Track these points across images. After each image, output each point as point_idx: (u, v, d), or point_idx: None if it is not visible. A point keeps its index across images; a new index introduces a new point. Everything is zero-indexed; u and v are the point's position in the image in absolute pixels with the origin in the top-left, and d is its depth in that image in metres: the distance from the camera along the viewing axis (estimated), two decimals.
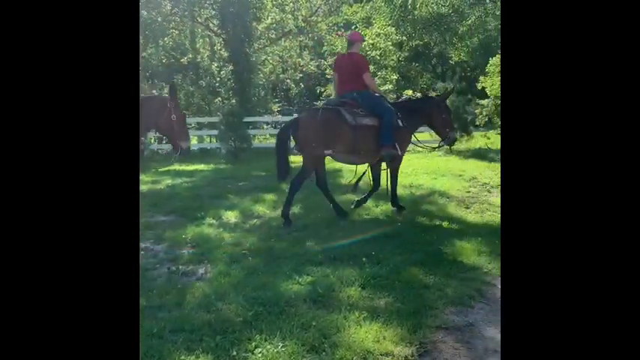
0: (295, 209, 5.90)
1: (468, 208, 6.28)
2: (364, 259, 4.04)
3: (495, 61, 18.88)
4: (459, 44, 17.07)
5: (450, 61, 19.05)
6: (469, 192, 7.25)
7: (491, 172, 8.94)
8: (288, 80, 18.62)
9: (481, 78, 19.32)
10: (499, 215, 5.94)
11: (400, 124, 5.46)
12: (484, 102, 16.68)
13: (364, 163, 5.74)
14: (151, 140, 12.90)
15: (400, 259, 4.07)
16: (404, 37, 17.07)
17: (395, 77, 20.55)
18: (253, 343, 2.70)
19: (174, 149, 4.80)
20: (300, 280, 3.63)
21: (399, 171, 5.96)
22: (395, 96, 22.09)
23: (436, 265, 3.95)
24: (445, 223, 5.34)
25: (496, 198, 6.96)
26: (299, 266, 3.93)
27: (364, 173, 5.92)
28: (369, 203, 6.10)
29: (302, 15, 17.75)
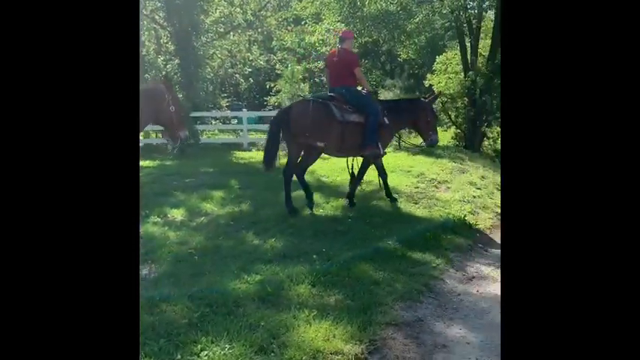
0: (244, 206, 5.78)
1: (416, 203, 6.36)
2: (314, 256, 4.00)
3: (442, 59, 19.37)
4: (407, 42, 17.33)
5: (399, 59, 19.34)
6: (417, 188, 7.36)
7: (438, 168, 9.13)
8: (237, 75, 18.33)
9: (428, 75, 19.76)
10: (446, 210, 6.06)
11: (386, 121, 5.59)
12: None
13: (348, 156, 5.88)
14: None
15: (350, 256, 4.06)
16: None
17: None
18: (199, 346, 2.60)
19: (172, 140, 4.78)
20: (248, 279, 3.54)
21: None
22: None
23: (386, 261, 3.96)
24: (394, 219, 5.38)
25: (443, 193, 7.11)
26: (247, 265, 3.84)
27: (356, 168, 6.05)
28: (320, 199, 6.07)
29: (251, 9, 17.49)
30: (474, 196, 7.43)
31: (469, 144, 16.25)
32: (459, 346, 2.72)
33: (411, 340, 2.75)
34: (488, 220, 6.46)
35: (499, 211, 7.21)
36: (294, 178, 5.47)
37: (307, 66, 19.01)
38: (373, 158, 5.77)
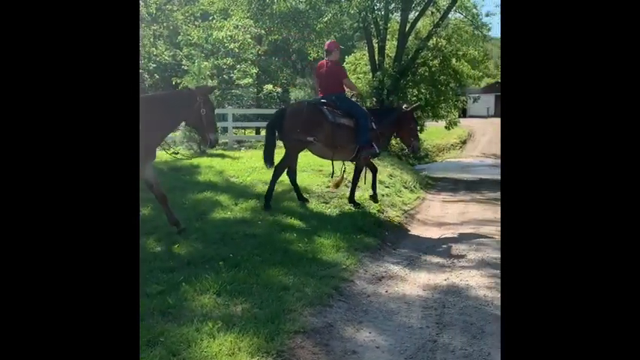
0: (145, 210, 5.42)
1: (327, 203, 6.34)
2: (221, 262, 3.80)
3: (351, 59, 19.68)
4: (317, 41, 17.39)
5: (309, 58, 19.40)
6: (328, 187, 7.36)
7: (348, 168, 9.21)
8: (142, 71, 17.44)
9: None
10: (357, 210, 6.09)
11: (374, 126, 6.06)
12: None
13: (338, 159, 6.36)
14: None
15: (259, 261, 3.91)
16: (262, 31, 16.96)
17: (255, 71, 20.37)
18: None
19: (203, 142, 5.12)
20: (147, 290, 3.27)
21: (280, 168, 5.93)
22: (255, 90, 21.98)
23: (295, 265, 3.87)
24: (305, 220, 5.31)
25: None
26: (147, 274, 3.55)
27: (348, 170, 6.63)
28: (229, 201, 5.85)
29: (155, 3, 16.73)
30: (383, 195, 7.58)
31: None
32: (369, 350, 2.68)
33: (320, 348, 2.67)
34: (396, 218, 6.61)
35: (406, 208, 7.41)
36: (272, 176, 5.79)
37: (215, 62, 18.49)
38: (371, 157, 6.33)
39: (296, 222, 5.22)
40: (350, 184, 6.68)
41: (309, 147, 5.90)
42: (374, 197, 6.56)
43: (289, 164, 5.92)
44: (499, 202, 8.80)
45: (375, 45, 16.70)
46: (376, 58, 16.45)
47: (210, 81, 12.53)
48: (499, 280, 3.89)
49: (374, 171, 6.65)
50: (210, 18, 16.55)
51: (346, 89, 6.11)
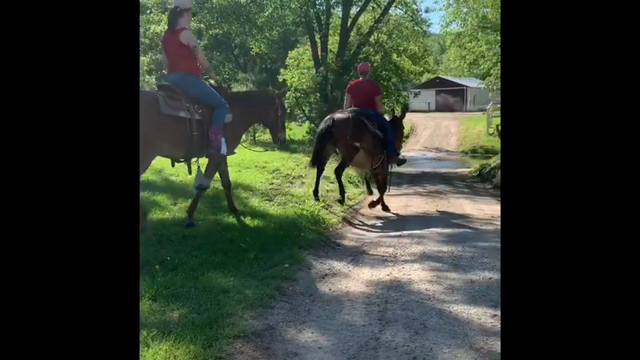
0: None
1: (270, 200, 6.25)
2: (157, 266, 3.62)
3: (294, 54, 19.58)
4: (259, 36, 17.19)
5: (252, 52, 19.12)
6: (272, 184, 7.26)
7: (292, 163, 9.15)
8: None
9: (282, 70, 19.87)
10: (300, 207, 6.03)
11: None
12: (287, 94, 17.20)
13: (365, 167, 7.26)
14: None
15: (198, 263, 3.77)
16: (202, 25, 16.55)
17: None
18: None
19: (274, 140, 5.79)
20: None
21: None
22: None
23: (236, 266, 3.75)
24: (248, 219, 5.19)
25: (298, 189, 7.10)
26: None
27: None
28: (167, 201, 5.64)
29: None
30: (328, 191, 7.56)
31: None
32: (311, 352, 2.61)
33: (261, 352, 2.58)
34: (340, 213, 6.59)
35: (351, 204, 7.42)
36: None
37: (154, 57, 17.84)
38: (396, 165, 7.44)
39: (238, 221, 5.10)
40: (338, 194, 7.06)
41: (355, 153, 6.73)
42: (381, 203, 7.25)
43: (346, 166, 7.08)
44: (441, 195, 9.05)
45: (318, 40, 16.69)
46: (319, 53, 16.44)
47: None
48: (440, 274, 3.94)
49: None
50: (148, 12, 15.93)
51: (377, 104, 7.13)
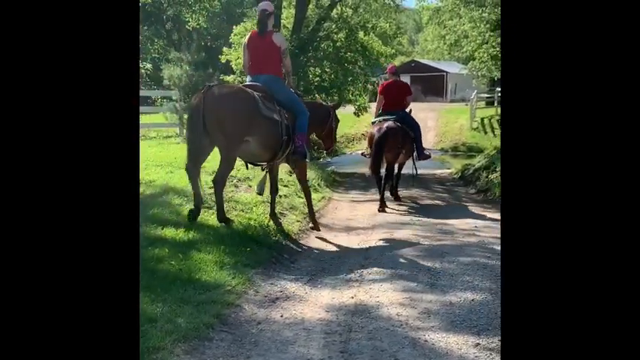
0: None
1: (210, 208, 6.17)
2: None
3: (240, 30, 19.49)
4: (196, 6, 17.03)
5: (187, 27, 18.91)
6: (212, 188, 7.17)
7: (237, 163, 9.07)
8: None
9: (225, 49, 19.73)
10: (247, 215, 6.00)
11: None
12: (230, 78, 17.06)
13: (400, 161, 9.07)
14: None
15: None
16: None
17: None
18: None
19: (326, 150, 7.77)
20: None
21: None
22: None
23: (166, 289, 3.68)
24: (180, 231, 5.10)
25: (244, 194, 7.05)
26: None
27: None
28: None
29: None
30: (280, 196, 7.54)
31: None
32: None
33: None
34: (296, 223, 6.60)
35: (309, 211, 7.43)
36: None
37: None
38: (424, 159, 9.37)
39: (170, 233, 5.00)
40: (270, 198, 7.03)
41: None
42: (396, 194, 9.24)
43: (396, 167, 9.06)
44: (416, 202, 9.20)
45: None
46: None
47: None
48: (414, 295, 4.00)
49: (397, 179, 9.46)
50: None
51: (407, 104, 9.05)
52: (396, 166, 8.99)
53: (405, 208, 8.59)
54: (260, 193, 6.33)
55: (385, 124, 8.43)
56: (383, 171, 8.42)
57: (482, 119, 26.55)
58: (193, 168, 5.45)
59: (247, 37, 6.01)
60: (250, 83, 5.78)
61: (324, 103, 8.60)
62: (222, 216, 5.51)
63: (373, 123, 9.11)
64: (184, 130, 6.10)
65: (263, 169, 6.29)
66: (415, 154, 9.02)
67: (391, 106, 8.79)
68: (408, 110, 9.13)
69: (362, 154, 9.68)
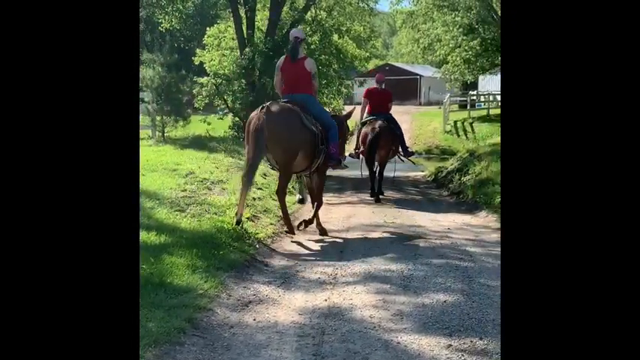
0: None
1: (182, 211, 6.12)
2: None
3: (213, 32, 19.41)
4: (169, 8, 16.88)
5: (160, 28, 18.75)
6: (185, 190, 7.12)
7: (211, 166, 9.03)
8: None
9: (198, 51, 19.62)
10: (220, 218, 5.96)
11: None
12: (203, 80, 16.96)
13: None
14: None
15: None
16: None
17: None
18: None
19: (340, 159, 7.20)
20: None
21: None
22: None
23: None
24: (152, 235, 5.05)
25: (218, 197, 7.01)
26: None
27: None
28: None
29: None
30: (254, 199, 7.53)
31: None
32: None
33: None
34: (270, 226, 6.58)
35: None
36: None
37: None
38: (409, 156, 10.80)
39: (141, 237, 4.95)
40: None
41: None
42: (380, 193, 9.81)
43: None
44: (390, 204, 9.25)
45: (243, 15, 16.62)
46: (244, 31, 16.37)
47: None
48: (387, 297, 4.02)
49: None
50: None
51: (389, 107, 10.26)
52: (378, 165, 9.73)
53: (379, 209, 8.62)
54: (302, 201, 7.38)
55: (377, 124, 9.46)
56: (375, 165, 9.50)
57: (455, 122, 26.83)
58: (249, 182, 6.02)
59: (281, 61, 6.69)
60: (285, 100, 6.49)
61: (337, 114, 9.36)
62: (290, 225, 6.39)
63: (363, 124, 9.96)
64: (245, 145, 6.43)
65: (299, 177, 7.27)
66: (401, 150, 10.23)
67: (377, 110, 9.90)
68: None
69: (350, 154, 9.94)
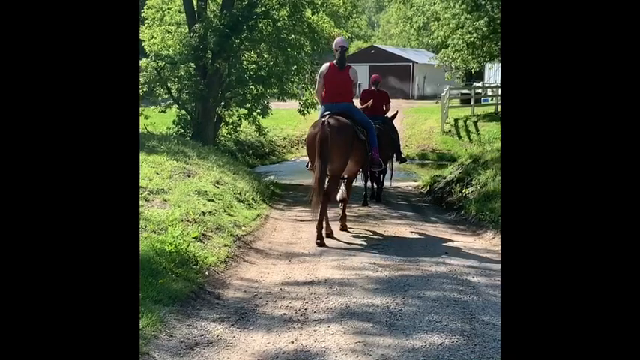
0: None
1: None
2: None
3: (155, 3, 19.35)
4: None
5: None
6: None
7: (150, 170, 8.97)
8: None
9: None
10: (161, 237, 5.91)
11: None
12: (142, 63, 16.86)
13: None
14: None
15: None
16: None
17: None
18: None
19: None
20: None
21: None
22: None
23: None
24: None
25: (157, 210, 6.95)
26: None
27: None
28: None
29: None
30: (204, 213, 7.49)
31: (199, 132, 16.53)
32: None
33: None
34: (223, 249, 6.53)
35: (240, 233, 7.40)
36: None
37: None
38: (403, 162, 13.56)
39: None
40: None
41: None
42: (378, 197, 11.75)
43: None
44: (374, 222, 9.26)
45: None
46: (194, 3, 16.35)
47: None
48: (369, 339, 4.02)
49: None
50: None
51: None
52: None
53: (361, 228, 8.64)
54: (341, 201, 8.88)
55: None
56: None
57: (455, 121, 27.15)
58: (320, 191, 7.62)
59: (325, 69, 8.45)
60: (331, 112, 8.11)
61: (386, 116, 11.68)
62: (321, 235, 7.66)
63: None
64: (313, 162, 7.93)
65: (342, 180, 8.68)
66: (395, 156, 11.76)
67: (374, 112, 10.70)
68: (391, 115, 11.87)
69: None
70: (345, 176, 8.74)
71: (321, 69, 8.61)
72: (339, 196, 8.89)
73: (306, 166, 9.70)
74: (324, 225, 8.00)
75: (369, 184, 11.56)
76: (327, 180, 7.89)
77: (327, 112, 8.17)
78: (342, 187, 8.84)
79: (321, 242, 7.50)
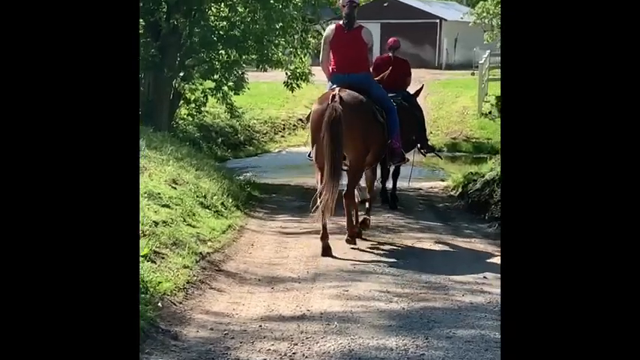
0: None
1: None
2: None
3: None
4: None
5: None
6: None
7: None
8: None
9: None
10: None
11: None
12: None
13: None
14: None
15: None
16: None
17: None
18: None
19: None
20: None
21: None
22: None
23: None
24: None
25: None
26: None
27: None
28: None
29: None
30: (157, 223, 7.46)
31: (149, 113, 16.43)
32: None
33: None
34: (182, 271, 6.49)
35: (206, 250, 7.37)
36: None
37: None
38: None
39: None
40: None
41: None
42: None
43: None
44: (390, 234, 9.23)
45: None
46: None
47: None
48: None
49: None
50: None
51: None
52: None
53: (369, 244, 8.61)
54: (364, 200, 9.36)
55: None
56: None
57: (497, 98, 27.09)
58: (337, 184, 7.81)
59: (330, 31, 8.64)
60: (343, 84, 8.24)
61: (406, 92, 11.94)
62: (353, 233, 8.46)
63: None
64: (318, 144, 7.95)
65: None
66: (419, 144, 12.19)
67: (390, 87, 10.55)
68: (416, 90, 12.31)
69: None
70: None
71: (326, 33, 8.78)
72: (361, 197, 9.06)
73: (308, 155, 9.35)
74: (354, 221, 8.55)
75: (388, 183, 11.61)
76: (339, 176, 7.84)
77: (337, 86, 8.16)
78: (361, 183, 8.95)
79: (326, 250, 7.80)
